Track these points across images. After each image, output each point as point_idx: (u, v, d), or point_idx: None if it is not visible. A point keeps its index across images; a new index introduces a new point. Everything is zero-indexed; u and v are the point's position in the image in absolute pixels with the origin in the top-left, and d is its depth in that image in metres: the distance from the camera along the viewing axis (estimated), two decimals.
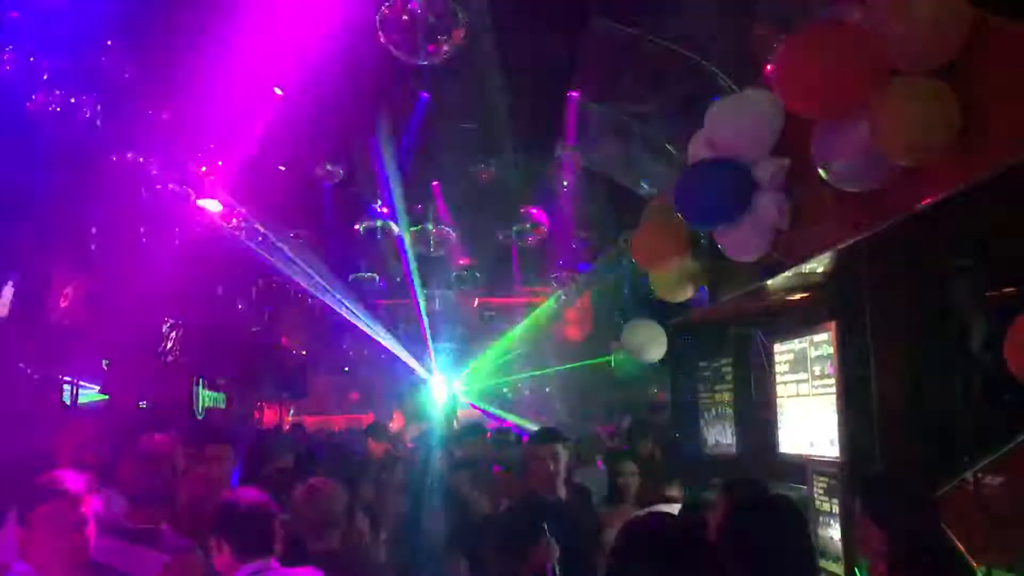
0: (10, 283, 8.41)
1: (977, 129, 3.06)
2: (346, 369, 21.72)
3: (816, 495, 5.32)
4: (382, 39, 8.11)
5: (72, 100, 7.13)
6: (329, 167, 11.66)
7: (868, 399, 5.08)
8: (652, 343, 6.97)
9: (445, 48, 8.33)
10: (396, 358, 19.91)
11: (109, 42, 7.56)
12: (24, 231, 8.55)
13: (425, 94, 10.86)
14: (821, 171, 3.65)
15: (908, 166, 3.26)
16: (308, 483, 4.23)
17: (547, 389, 20.27)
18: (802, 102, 3.44)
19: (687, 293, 6.16)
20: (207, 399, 15.91)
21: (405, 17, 7.99)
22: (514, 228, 12.16)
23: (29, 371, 9.43)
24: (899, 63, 3.08)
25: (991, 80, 3.01)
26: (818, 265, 5.12)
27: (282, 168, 13.07)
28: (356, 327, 19.12)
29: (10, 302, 8.39)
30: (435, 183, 13.41)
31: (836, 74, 3.17)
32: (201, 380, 15.50)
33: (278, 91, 10.36)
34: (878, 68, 3.10)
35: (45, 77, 7.12)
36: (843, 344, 5.30)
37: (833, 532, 5.06)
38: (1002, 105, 3.01)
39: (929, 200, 3.50)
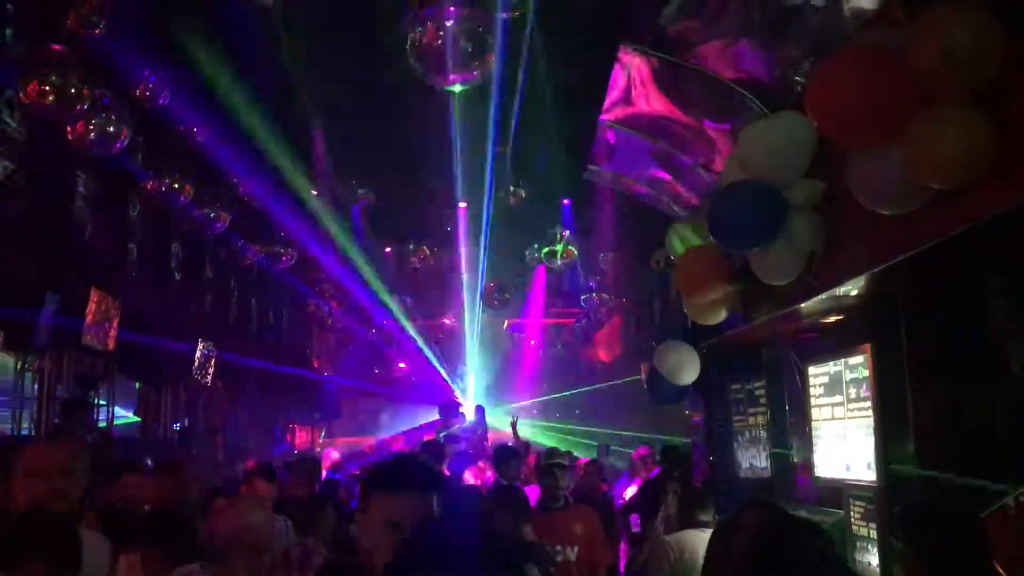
0: (50, 307, 8.56)
1: (1013, 153, 3.05)
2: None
3: (853, 519, 5.26)
4: (413, 63, 8.22)
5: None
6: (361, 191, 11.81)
7: (905, 422, 5.03)
8: (685, 365, 6.94)
9: (476, 73, 8.43)
10: (427, 379, 20.02)
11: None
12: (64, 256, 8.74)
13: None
14: (856, 195, 3.64)
15: (943, 189, 3.24)
16: None
17: (576, 411, 20.24)
18: (836, 127, 3.44)
19: (720, 316, 6.14)
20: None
21: (437, 42, 8.10)
22: (544, 250, 12.19)
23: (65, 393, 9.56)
24: (934, 89, 3.08)
25: None
26: (852, 287, 5.09)
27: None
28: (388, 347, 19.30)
29: (50, 327, 8.53)
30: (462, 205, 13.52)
31: (871, 100, 3.17)
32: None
33: None
34: (913, 94, 3.10)
35: None
36: (878, 366, 5.25)
37: (871, 558, 5.00)
38: None
39: (964, 225, 3.48)
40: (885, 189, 3.42)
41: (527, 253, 13.96)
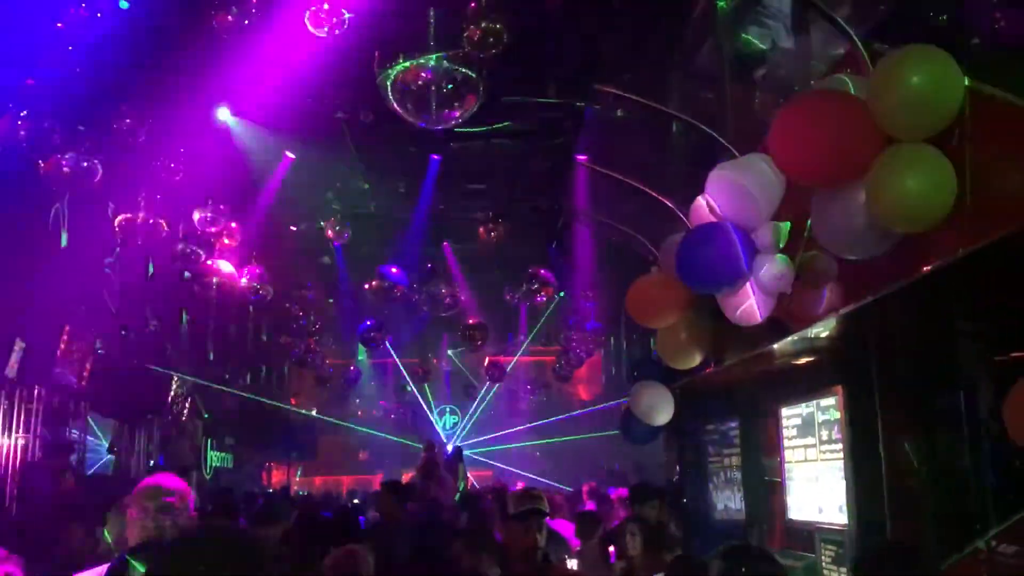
0: (19, 343, 8.46)
1: (977, 195, 3.06)
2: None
3: (824, 563, 5.21)
4: (394, 105, 8.22)
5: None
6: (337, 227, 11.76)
7: (876, 465, 5.00)
8: (659, 406, 6.89)
9: (457, 113, 8.44)
10: (406, 417, 19.90)
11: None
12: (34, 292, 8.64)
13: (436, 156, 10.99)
14: (822, 242, 3.64)
15: (905, 233, 3.25)
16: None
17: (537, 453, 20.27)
18: (798, 169, 3.45)
19: (694, 360, 6.10)
20: (215, 459, 15.85)
21: (419, 83, 8.10)
22: (523, 288, 12.15)
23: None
24: (894, 132, 3.09)
25: (987, 148, 3.02)
26: (823, 329, 5.09)
27: (292, 228, 13.23)
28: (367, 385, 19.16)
29: (18, 363, 8.42)
30: (445, 244, 13.49)
31: (831, 142, 3.18)
32: (210, 441, 15.48)
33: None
34: (873, 137, 3.11)
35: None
36: (850, 409, 5.24)
37: None
38: (998, 173, 3.02)
39: (931, 266, 3.49)
40: (849, 234, 3.42)
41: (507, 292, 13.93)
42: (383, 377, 21.45)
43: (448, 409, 22.26)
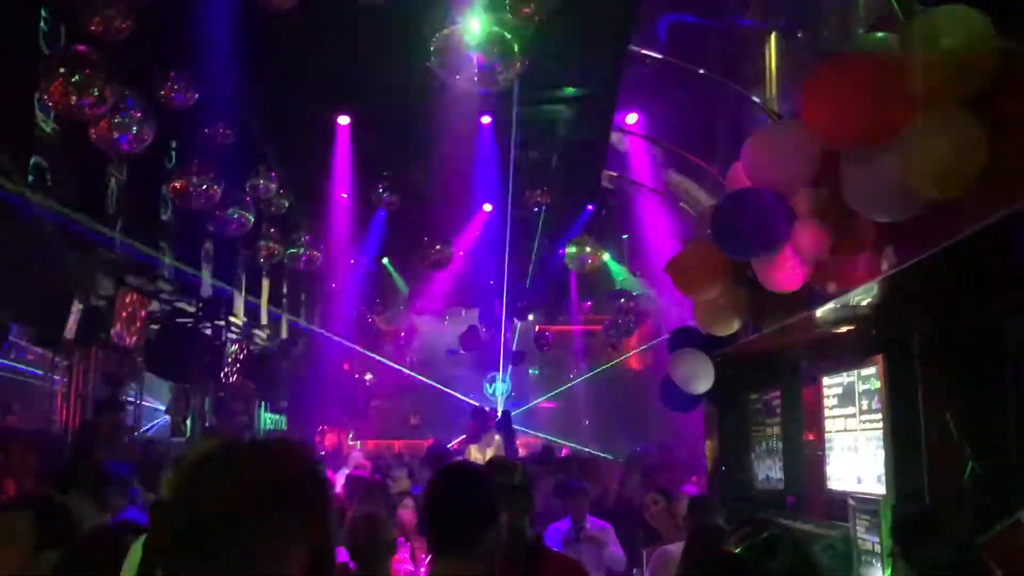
0: (77, 304, 8.70)
1: (1009, 159, 2.97)
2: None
3: (859, 533, 5.16)
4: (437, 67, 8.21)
5: None
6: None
7: (917, 435, 4.93)
8: (699, 374, 6.86)
9: (502, 78, 8.41)
10: (456, 383, 20.09)
11: None
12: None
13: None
14: (853, 204, 3.58)
15: (936, 198, 3.18)
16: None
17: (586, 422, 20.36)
18: (828, 131, 3.38)
19: (732, 327, 6.05)
20: (268, 421, 16.20)
21: (464, 47, 8.08)
22: (570, 253, 12.11)
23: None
24: (927, 93, 3.01)
25: (1021, 109, 2.93)
26: (864, 296, 5.00)
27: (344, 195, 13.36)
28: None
29: (76, 324, 8.67)
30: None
31: (862, 104, 3.11)
32: (263, 403, 15.81)
33: None
34: (906, 98, 3.04)
35: None
36: (890, 378, 5.16)
37: (876, 573, 4.90)
38: None
39: (967, 230, 3.40)
40: (880, 197, 3.35)
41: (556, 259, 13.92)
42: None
43: (497, 376, 22.38)
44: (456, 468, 3.31)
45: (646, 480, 9.00)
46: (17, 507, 3.37)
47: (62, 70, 6.19)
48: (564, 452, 16.49)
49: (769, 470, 7.38)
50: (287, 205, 11.74)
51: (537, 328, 19.41)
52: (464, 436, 12.57)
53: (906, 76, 3.02)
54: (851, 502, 5.33)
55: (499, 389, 22.57)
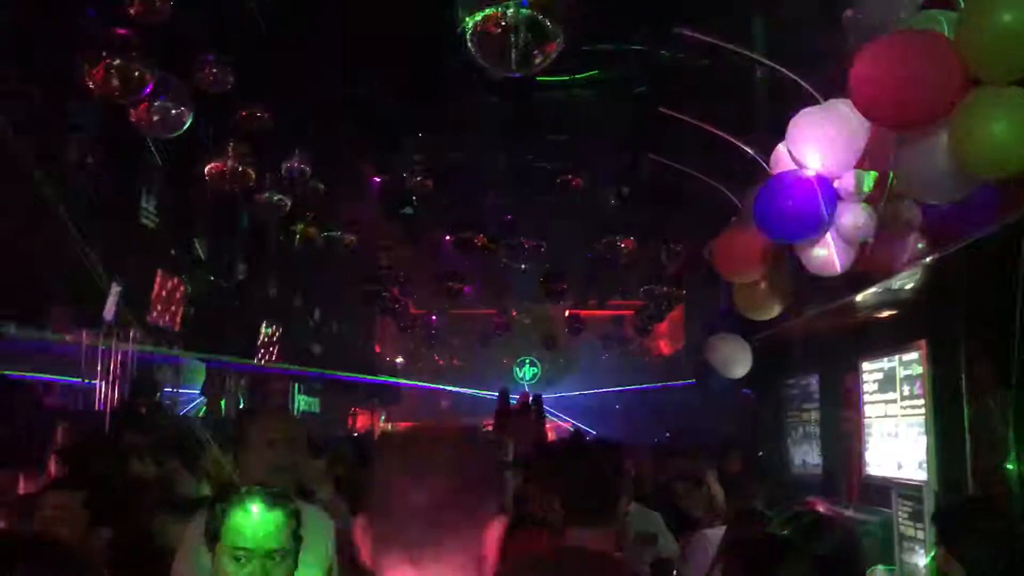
0: (115, 287, 8.79)
1: None
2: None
3: (901, 520, 5.12)
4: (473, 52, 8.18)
5: None
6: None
7: (959, 422, 4.88)
8: (736, 359, 6.82)
9: (538, 60, 8.36)
10: (487, 366, 20.14)
11: None
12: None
13: None
14: (903, 187, 3.52)
15: (989, 179, 3.12)
16: None
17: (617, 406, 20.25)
18: (877, 110, 3.32)
19: (772, 311, 5.99)
20: (302, 403, 16.35)
21: (497, 31, 8.05)
22: (603, 240, 12.07)
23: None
24: (981, 72, 2.95)
25: None
26: (907, 281, 4.94)
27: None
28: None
29: (115, 306, 8.77)
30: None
31: (913, 82, 3.05)
32: (297, 385, 15.96)
33: None
34: (958, 77, 2.98)
35: None
36: (934, 364, 5.10)
37: (919, 559, 4.86)
38: None
39: (1017, 214, 3.35)
40: (931, 178, 3.30)
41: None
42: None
43: (528, 360, 22.41)
44: (585, 443, 3.59)
45: (674, 466, 8.97)
46: (71, 486, 3.44)
47: (104, 54, 6.25)
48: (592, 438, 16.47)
49: (806, 455, 7.34)
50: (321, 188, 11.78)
51: (568, 313, 19.36)
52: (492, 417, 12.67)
53: (960, 54, 2.96)
54: (894, 488, 5.28)
55: (528, 373, 22.64)
